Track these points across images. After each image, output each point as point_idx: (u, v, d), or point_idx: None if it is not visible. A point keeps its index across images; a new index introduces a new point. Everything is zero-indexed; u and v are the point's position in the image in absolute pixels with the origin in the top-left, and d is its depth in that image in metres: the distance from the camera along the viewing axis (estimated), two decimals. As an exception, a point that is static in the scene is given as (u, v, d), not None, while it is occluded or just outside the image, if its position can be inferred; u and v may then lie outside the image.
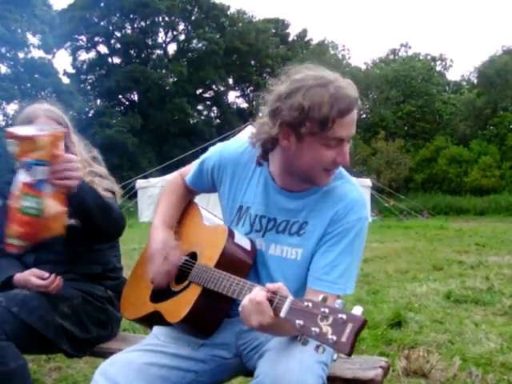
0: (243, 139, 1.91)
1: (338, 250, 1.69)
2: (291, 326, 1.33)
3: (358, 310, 1.25)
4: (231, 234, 1.78)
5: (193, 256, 1.86)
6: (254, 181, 1.86)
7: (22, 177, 1.84)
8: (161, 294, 1.84)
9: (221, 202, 1.97)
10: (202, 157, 2.03)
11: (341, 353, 1.23)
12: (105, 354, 2.27)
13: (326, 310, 1.27)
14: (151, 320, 1.88)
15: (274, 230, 1.79)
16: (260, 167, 1.83)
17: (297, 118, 1.57)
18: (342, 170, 1.80)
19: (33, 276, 2.21)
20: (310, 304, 1.31)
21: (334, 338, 1.23)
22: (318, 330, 1.26)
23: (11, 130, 1.84)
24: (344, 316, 1.24)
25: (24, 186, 1.83)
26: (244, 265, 1.75)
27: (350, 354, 1.22)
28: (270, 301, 1.41)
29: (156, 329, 1.89)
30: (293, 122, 1.58)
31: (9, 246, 1.90)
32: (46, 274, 2.21)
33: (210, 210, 2.12)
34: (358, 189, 1.78)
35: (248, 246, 1.78)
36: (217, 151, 1.97)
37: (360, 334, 1.24)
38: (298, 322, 1.30)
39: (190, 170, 2.07)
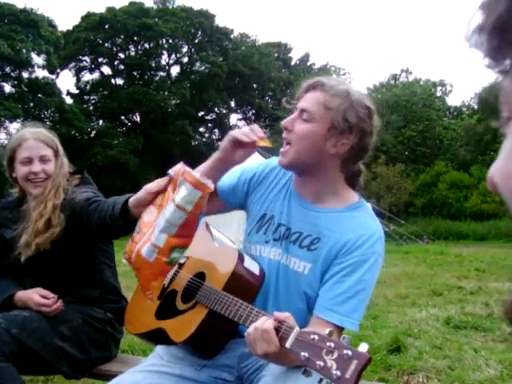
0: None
1: (352, 281, 1.65)
2: (296, 358, 1.33)
3: (363, 347, 1.24)
4: (241, 258, 1.78)
5: (200, 276, 1.86)
6: (279, 190, 1.88)
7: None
8: (166, 310, 1.84)
9: (249, 209, 1.95)
10: (239, 168, 1.97)
11: None
12: (103, 376, 2.28)
13: (332, 345, 1.27)
14: (154, 336, 1.87)
15: (288, 239, 1.79)
16: (283, 178, 1.88)
17: None
18: (365, 202, 1.83)
19: (37, 294, 2.22)
20: (316, 337, 1.31)
21: (338, 373, 1.22)
22: (322, 363, 1.25)
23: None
24: (349, 352, 1.23)
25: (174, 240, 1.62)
26: (252, 289, 1.75)
27: None
28: (277, 330, 1.41)
29: (160, 348, 1.89)
30: None
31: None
32: (51, 295, 2.22)
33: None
34: (378, 224, 1.78)
35: (256, 271, 1.78)
36: (258, 164, 1.98)
37: (364, 371, 1.23)
38: (303, 354, 1.30)
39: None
